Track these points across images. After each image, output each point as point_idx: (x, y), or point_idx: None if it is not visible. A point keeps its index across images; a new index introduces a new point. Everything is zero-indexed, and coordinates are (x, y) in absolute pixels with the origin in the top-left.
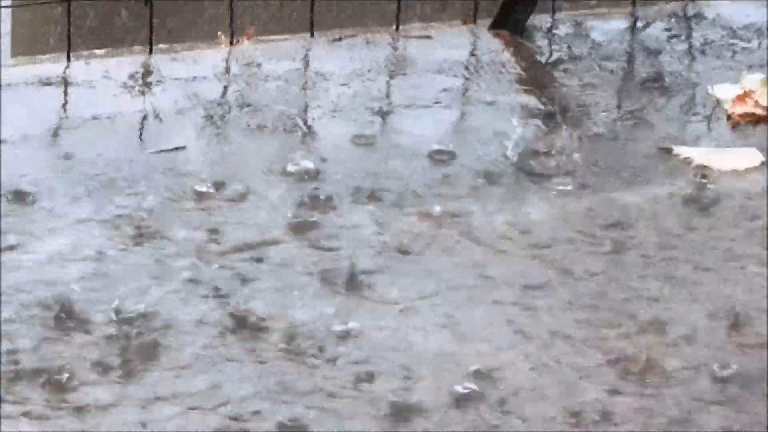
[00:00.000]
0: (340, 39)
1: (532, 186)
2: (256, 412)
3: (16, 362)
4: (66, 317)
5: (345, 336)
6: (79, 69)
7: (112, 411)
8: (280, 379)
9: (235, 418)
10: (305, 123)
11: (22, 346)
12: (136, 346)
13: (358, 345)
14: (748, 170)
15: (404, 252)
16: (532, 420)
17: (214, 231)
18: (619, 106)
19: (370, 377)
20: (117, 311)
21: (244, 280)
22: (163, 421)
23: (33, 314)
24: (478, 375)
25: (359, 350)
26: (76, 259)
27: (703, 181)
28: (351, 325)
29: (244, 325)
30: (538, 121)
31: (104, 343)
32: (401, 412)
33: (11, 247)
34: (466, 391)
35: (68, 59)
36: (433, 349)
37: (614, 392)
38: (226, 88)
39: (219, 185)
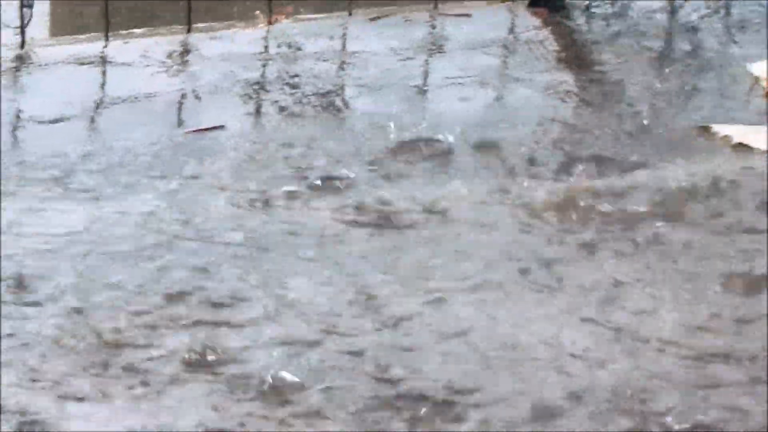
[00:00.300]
0: (378, 17)
1: (570, 163)
2: None
3: None
4: None
5: None
6: (117, 48)
7: None
8: None
9: None
10: (343, 102)
11: None
12: None
13: None
14: None
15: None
16: None
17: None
18: (657, 84)
19: None
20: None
21: None
22: None
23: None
24: None
25: None
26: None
27: (741, 158)
28: None
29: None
30: (577, 99)
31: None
32: None
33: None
34: None
35: (106, 38)
36: None
37: None
38: (263, 66)
39: (255, 162)
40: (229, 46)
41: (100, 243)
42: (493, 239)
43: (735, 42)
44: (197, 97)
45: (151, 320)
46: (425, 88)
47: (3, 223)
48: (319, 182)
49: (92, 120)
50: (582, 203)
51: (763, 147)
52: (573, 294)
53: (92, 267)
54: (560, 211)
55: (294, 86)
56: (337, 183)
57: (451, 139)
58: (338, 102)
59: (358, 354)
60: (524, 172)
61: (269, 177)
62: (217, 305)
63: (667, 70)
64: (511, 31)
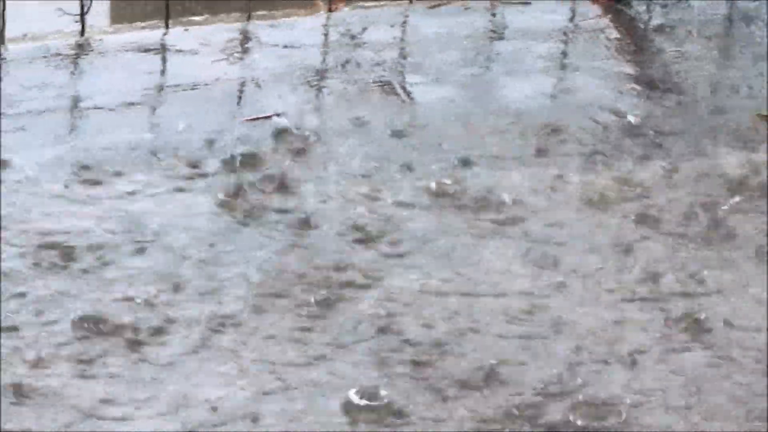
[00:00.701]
0: (437, 5)
1: (633, 151)
2: None
3: None
4: None
5: None
6: (176, 36)
7: None
8: None
9: None
10: (403, 89)
11: None
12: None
13: None
14: None
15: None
16: None
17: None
18: (717, 73)
19: None
20: None
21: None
22: None
23: None
24: None
25: None
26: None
27: None
28: None
29: None
30: (638, 88)
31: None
32: None
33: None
34: None
35: (166, 26)
36: None
37: None
38: (323, 54)
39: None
40: (289, 34)
41: (163, 234)
42: (576, 223)
43: None
44: (256, 85)
45: None
46: (485, 75)
47: (61, 210)
48: (377, 166)
49: (152, 107)
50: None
51: None
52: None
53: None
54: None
55: (354, 74)
56: (394, 168)
57: (510, 127)
58: (398, 90)
59: None
60: (582, 162)
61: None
62: None
63: (727, 59)
64: (571, 19)
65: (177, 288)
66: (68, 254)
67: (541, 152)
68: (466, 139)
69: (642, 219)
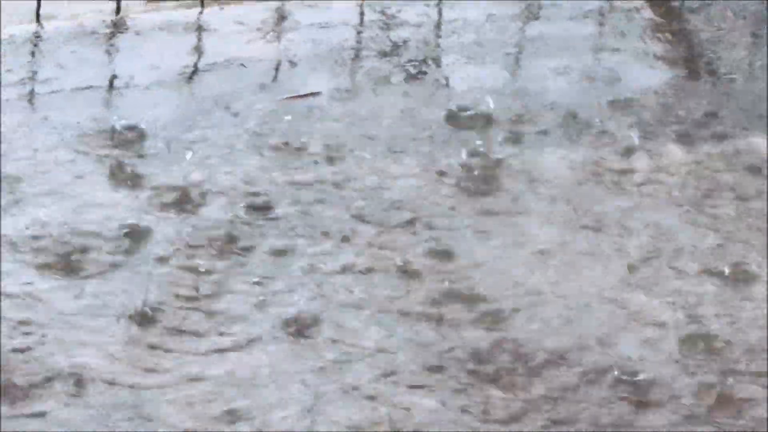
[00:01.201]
0: None
1: (665, 131)
2: None
3: None
4: None
5: None
6: (212, 14)
7: None
8: None
9: None
10: (439, 69)
11: None
12: None
13: None
14: None
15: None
16: None
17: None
18: (752, 52)
19: None
20: None
21: None
22: None
23: None
24: None
25: None
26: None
27: None
28: None
29: None
30: (673, 68)
31: None
32: None
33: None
34: None
35: (202, 5)
36: None
37: None
38: (359, 33)
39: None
40: (325, 14)
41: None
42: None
43: None
44: (293, 64)
45: None
46: (521, 55)
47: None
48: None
49: (187, 86)
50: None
51: None
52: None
53: None
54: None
55: (390, 53)
56: (425, 144)
57: (544, 107)
58: (434, 69)
59: None
60: (616, 140)
61: (368, 145)
62: None
63: (762, 38)
64: None
65: None
66: None
67: (574, 132)
68: (504, 116)
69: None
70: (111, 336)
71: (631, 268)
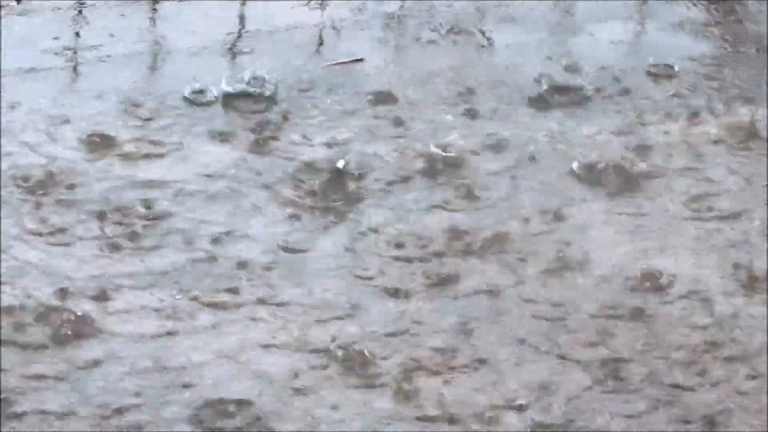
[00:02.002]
0: None
1: (708, 104)
2: None
3: None
4: None
5: None
6: None
7: None
8: None
9: None
10: (483, 35)
11: None
12: None
13: None
14: None
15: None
16: None
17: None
18: None
19: None
20: None
21: None
22: None
23: None
24: None
25: None
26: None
27: None
28: None
29: None
30: (714, 38)
31: None
32: None
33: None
34: None
35: None
36: None
37: None
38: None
39: (395, 99)
40: None
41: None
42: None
43: None
44: (336, 31)
45: None
46: (563, 23)
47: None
48: (452, 118)
49: (231, 53)
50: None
51: None
52: None
53: None
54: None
55: (433, 20)
56: (470, 115)
57: (587, 75)
58: (478, 35)
59: None
60: (656, 112)
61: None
62: None
63: None
64: None
65: None
66: None
67: (616, 103)
68: (548, 82)
69: None
70: None
71: None
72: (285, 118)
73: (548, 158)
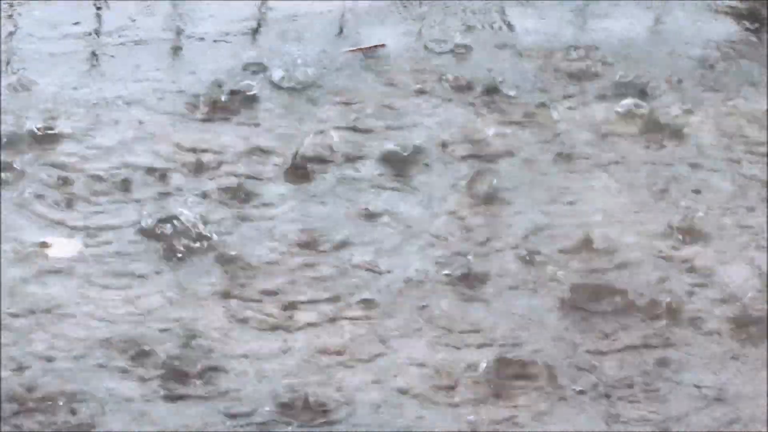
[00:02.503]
0: None
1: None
2: None
3: None
4: None
5: None
6: None
7: None
8: None
9: None
10: (505, 22)
11: None
12: None
13: None
14: None
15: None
16: None
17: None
18: None
19: None
20: None
21: None
22: None
23: None
24: None
25: None
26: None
27: None
28: None
29: None
30: (742, 21)
31: None
32: None
33: None
34: None
35: None
36: None
37: None
38: None
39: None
40: None
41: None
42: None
43: None
44: (358, 16)
45: None
46: (584, 8)
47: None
48: (480, 99)
49: (253, 38)
50: None
51: None
52: None
53: None
54: None
55: (454, 6)
56: (497, 97)
57: (608, 61)
58: (500, 22)
59: None
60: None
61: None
62: None
63: None
64: None
65: None
66: None
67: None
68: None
69: None
70: None
71: None
72: None
73: None
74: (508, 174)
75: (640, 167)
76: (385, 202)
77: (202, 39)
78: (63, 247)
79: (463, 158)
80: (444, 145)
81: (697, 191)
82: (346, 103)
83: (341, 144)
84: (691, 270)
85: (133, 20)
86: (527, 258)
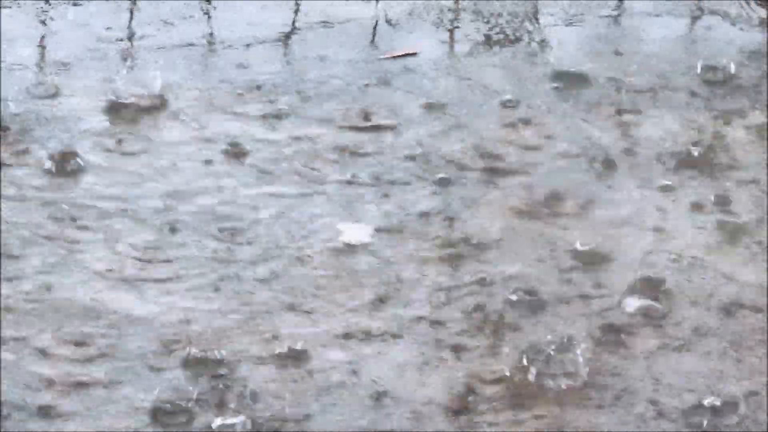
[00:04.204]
0: None
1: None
2: None
3: None
4: None
5: None
6: None
7: None
8: None
9: None
10: (537, 33)
11: None
12: None
13: None
14: None
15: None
16: None
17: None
18: None
19: None
20: None
21: None
22: None
23: None
24: None
25: None
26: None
27: None
28: None
29: None
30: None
31: None
32: None
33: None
34: None
35: None
36: None
37: None
38: None
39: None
40: None
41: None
42: None
43: None
44: (391, 24)
45: None
46: (619, 19)
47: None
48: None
49: (285, 45)
50: None
51: None
52: None
53: None
54: None
55: (488, 15)
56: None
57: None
58: (532, 32)
59: None
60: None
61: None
62: None
63: None
64: None
65: None
66: None
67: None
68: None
69: None
70: None
71: None
72: None
73: None
74: None
75: None
76: None
77: (235, 46)
78: None
79: None
80: None
81: None
82: None
83: None
84: None
85: (163, 25)
86: None
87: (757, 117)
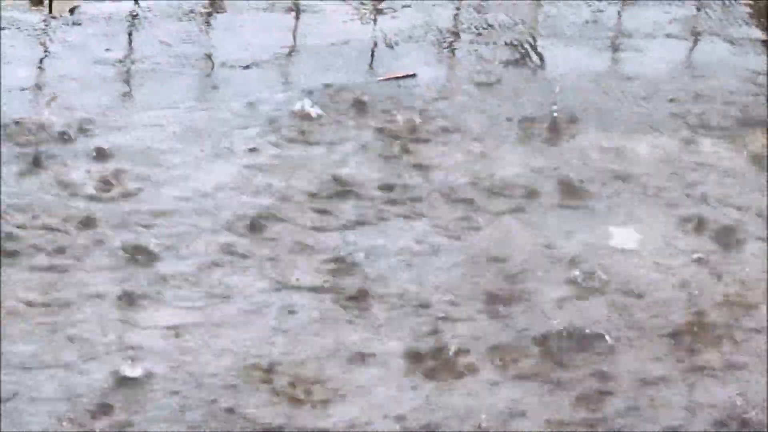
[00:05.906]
0: None
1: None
2: None
3: None
4: None
5: None
6: None
7: None
8: None
9: None
10: (536, 52)
11: None
12: None
13: None
14: None
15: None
16: None
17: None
18: None
19: None
20: None
21: None
22: None
23: None
24: None
25: None
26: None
27: None
28: None
29: None
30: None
31: None
32: None
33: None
34: None
35: None
36: None
37: None
38: (456, 14)
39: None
40: None
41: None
42: None
43: None
44: (389, 45)
45: None
46: (616, 39)
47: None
48: (511, 125)
49: (284, 66)
50: None
51: None
52: None
53: None
54: None
55: (486, 36)
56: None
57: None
58: (531, 52)
59: None
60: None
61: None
62: None
63: None
64: None
65: None
66: None
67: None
68: (597, 99)
69: None
70: None
71: None
72: None
73: None
74: None
75: None
76: None
77: (234, 67)
78: None
79: None
80: None
81: None
82: None
83: None
84: None
85: (161, 47)
86: None
87: None
